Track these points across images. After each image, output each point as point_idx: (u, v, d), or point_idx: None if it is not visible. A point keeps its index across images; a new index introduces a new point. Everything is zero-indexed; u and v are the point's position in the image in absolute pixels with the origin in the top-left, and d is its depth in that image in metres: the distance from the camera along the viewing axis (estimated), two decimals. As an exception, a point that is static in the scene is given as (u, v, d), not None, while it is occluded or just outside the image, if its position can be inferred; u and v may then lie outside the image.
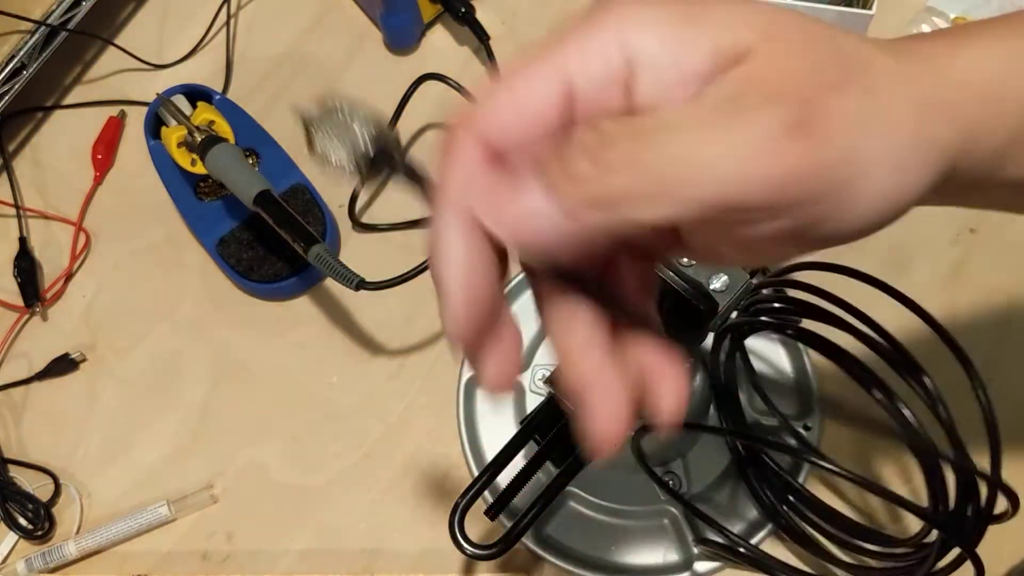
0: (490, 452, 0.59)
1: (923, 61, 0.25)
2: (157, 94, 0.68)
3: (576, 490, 0.57)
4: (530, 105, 0.23)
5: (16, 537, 0.60)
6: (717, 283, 0.44)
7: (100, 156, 0.72)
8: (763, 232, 0.23)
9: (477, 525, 0.51)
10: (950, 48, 0.26)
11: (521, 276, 0.64)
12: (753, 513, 0.56)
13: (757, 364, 0.57)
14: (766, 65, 0.22)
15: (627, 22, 0.22)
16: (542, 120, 0.23)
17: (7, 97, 0.69)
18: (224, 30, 0.77)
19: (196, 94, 0.69)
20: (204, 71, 0.76)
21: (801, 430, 0.56)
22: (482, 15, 0.72)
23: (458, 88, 0.68)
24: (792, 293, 0.47)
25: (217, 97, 0.69)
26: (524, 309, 0.63)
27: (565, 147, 0.22)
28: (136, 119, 0.74)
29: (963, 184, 0.26)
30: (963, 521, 0.41)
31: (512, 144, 0.23)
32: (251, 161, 0.67)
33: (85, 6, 0.71)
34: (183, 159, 0.66)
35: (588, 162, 0.21)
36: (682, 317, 0.43)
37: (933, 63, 0.25)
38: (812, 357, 0.58)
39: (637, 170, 0.21)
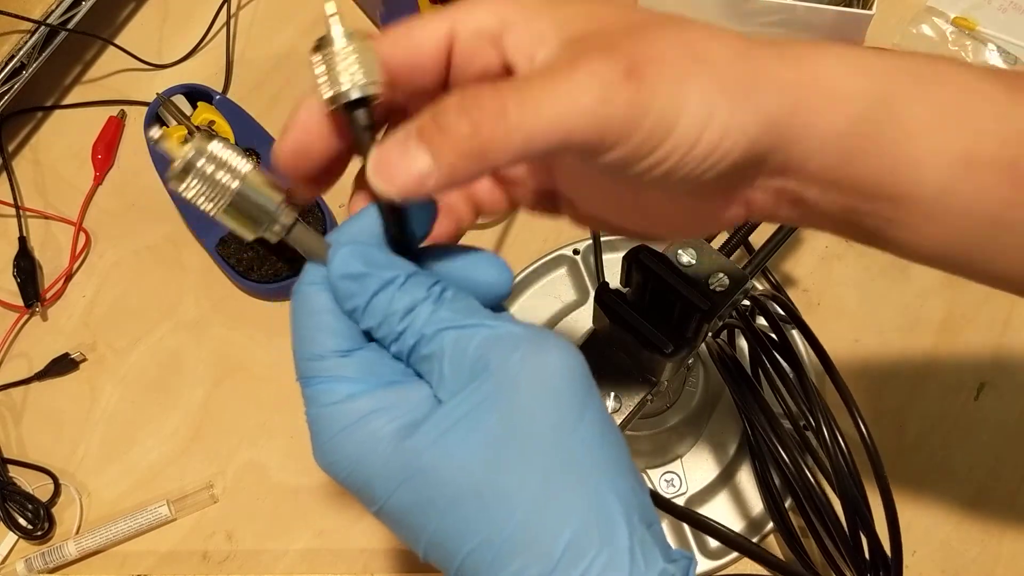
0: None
1: (784, 53, 0.28)
2: (157, 94, 0.68)
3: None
4: (418, 40, 0.28)
5: (16, 537, 0.60)
6: (716, 283, 0.44)
7: (100, 156, 0.72)
8: (609, 162, 0.27)
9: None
10: (817, 57, 0.28)
11: (524, 273, 0.64)
12: (753, 512, 0.56)
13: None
14: (602, 36, 0.27)
15: (511, 3, 0.28)
16: (427, 56, 0.29)
17: (7, 97, 0.69)
18: (224, 30, 0.77)
19: (196, 94, 0.69)
20: (204, 71, 0.76)
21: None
22: (482, 15, 0.72)
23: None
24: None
25: (217, 97, 0.69)
26: (523, 309, 0.64)
27: (438, 106, 0.26)
28: (136, 119, 0.74)
29: (781, 169, 0.28)
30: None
31: (403, 76, 0.29)
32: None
33: (85, 6, 0.71)
34: (183, 159, 0.66)
35: (458, 115, 0.25)
36: (682, 316, 0.43)
37: (791, 57, 0.28)
38: (812, 357, 0.58)
39: (499, 121, 0.25)
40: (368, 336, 0.29)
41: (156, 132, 0.27)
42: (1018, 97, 0.28)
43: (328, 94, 0.27)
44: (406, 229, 0.29)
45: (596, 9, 0.29)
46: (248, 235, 0.28)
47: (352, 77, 0.27)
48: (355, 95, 0.27)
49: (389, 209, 0.29)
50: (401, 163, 0.26)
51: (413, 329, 0.28)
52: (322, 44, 0.27)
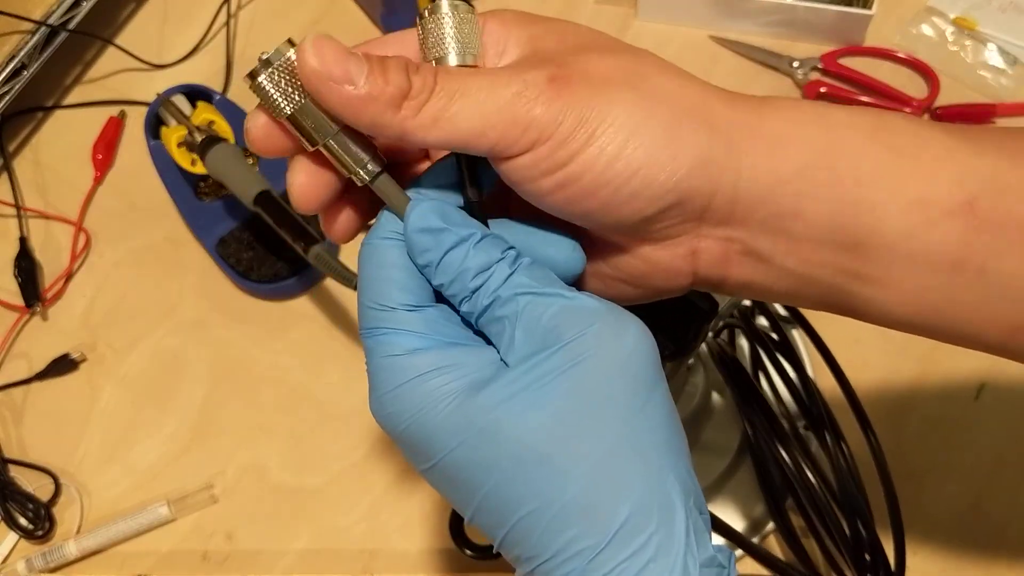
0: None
1: (734, 99, 0.29)
2: (157, 94, 0.68)
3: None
4: (406, 42, 0.30)
5: (16, 537, 0.60)
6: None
7: (100, 156, 0.72)
8: (525, 168, 0.27)
9: (477, 525, 0.51)
10: (765, 106, 0.29)
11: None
12: (753, 513, 0.56)
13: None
14: (556, 53, 0.28)
15: (494, 16, 0.30)
16: (413, 56, 0.29)
17: (8, 97, 0.69)
18: (224, 30, 0.77)
19: (196, 94, 0.69)
20: (204, 71, 0.76)
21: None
22: (482, 15, 0.72)
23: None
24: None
25: (217, 97, 0.69)
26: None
27: (389, 57, 0.27)
28: (136, 119, 0.74)
29: (727, 218, 0.29)
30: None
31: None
32: (251, 161, 0.67)
33: (85, 6, 0.71)
34: (183, 159, 0.66)
35: (399, 68, 0.27)
36: (682, 317, 0.43)
37: (742, 104, 0.28)
38: (813, 358, 0.58)
39: (424, 90, 0.27)
40: (437, 297, 0.29)
41: (261, 71, 0.28)
42: (966, 142, 0.28)
43: (427, 59, 0.29)
44: (479, 181, 0.30)
45: (568, 30, 0.30)
46: (346, 173, 0.29)
47: (451, 44, 0.28)
48: (453, 62, 0.28)
49: (467, 162, 0.29)
50: (339, 55, 0.26)
51: (487, 289, 0.28)
52: (430, 10, 0.29)
